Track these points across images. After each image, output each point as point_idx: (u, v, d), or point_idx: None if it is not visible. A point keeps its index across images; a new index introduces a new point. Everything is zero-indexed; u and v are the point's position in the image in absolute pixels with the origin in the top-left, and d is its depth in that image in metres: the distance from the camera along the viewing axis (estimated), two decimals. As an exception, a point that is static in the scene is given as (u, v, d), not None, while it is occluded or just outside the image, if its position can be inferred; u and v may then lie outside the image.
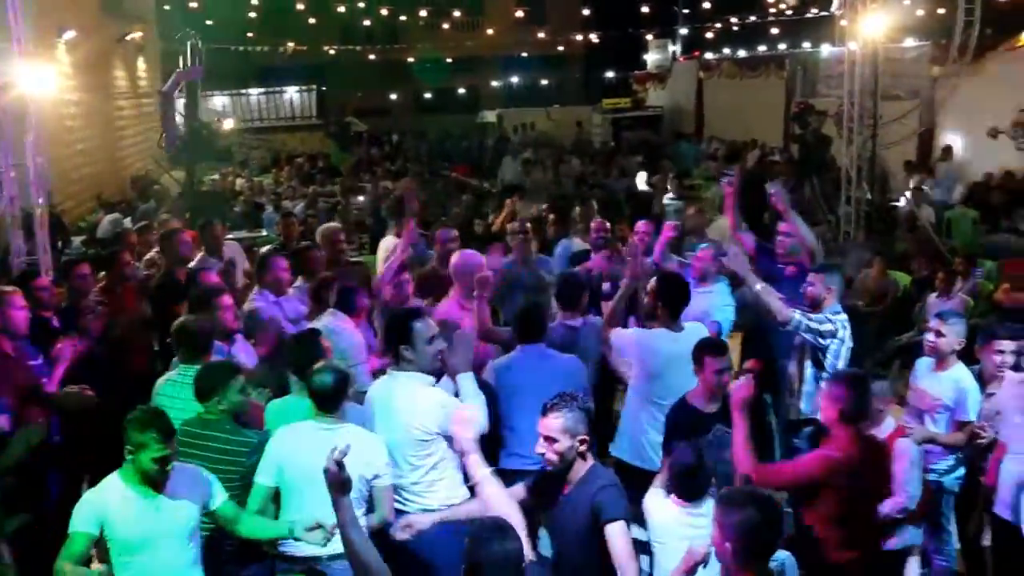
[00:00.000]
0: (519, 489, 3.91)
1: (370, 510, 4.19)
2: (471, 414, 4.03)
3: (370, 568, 3.07)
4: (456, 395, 4.49)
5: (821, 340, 5.46)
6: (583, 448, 3.65)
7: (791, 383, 5.83)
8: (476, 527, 3.03)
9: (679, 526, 4.01)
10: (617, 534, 3.58)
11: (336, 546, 4.02)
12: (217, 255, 7.64)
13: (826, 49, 18.87)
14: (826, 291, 5.62)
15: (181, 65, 13.42)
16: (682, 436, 4.55)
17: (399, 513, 4.28)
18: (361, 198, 15.11)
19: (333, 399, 4.16)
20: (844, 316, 5.61)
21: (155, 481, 3.77)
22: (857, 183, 11.28)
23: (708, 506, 3.94)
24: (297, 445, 4.13)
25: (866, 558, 4.30)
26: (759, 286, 5.51)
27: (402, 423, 4.39)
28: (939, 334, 5.19)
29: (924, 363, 5.41)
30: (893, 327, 9.23)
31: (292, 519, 4.03)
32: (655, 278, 5.67)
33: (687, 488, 4.06)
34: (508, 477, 4.63)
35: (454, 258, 6.45)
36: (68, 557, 3.66)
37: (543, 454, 3.66)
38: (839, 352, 5.52)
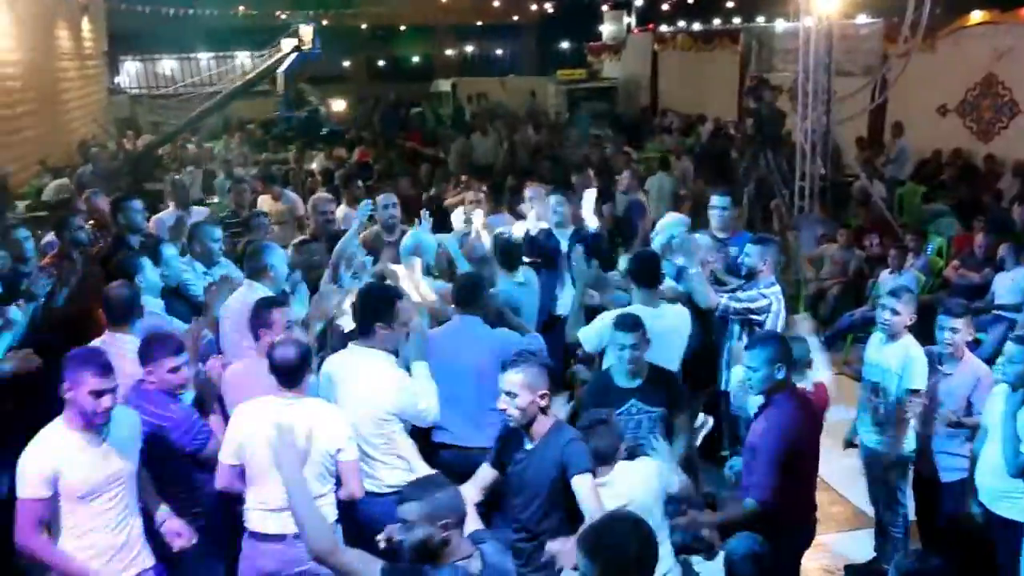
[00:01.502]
0: (485, 471, 3.98)
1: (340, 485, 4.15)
2: None
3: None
4: None
5: (755, 316, 5.51)
6: (544, 403, 3.75)
7: (735, 356, 5.82)
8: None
9: None
10: (585, 485, 3.65)
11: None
12: (186, 208, 7.67)
13: (781, 24, 18.90)
14: (762, 263, 5.68)
15: (285, 48, 13.29)
16: (596, 405, 4.62)
17: None
18: (315, 165, 14.90)
19: (295, 373, 4.07)
20: (778, 288, 5.70)
21: (96, 421, 3.68)
22: (811, 158, 11.35)
23: (613, 475, 3.99)
24: (257, 422, 4.05)
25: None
26: (694, 270, 5.54)
27: (362, 400, 4.36)
28: (895, 312, 5.25)
29: (876, 338, 5.49)
30: (850, 301, 9.37)
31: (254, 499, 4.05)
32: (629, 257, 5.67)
33: (598, 454, 4.05)
34: (437, 450, 4.81)
35: (405, 239, 6.35)
36: (30, 528, 3.56)
37: (504, 409, 3.75)
38: (775, 325, 5.61)
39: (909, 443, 5.30)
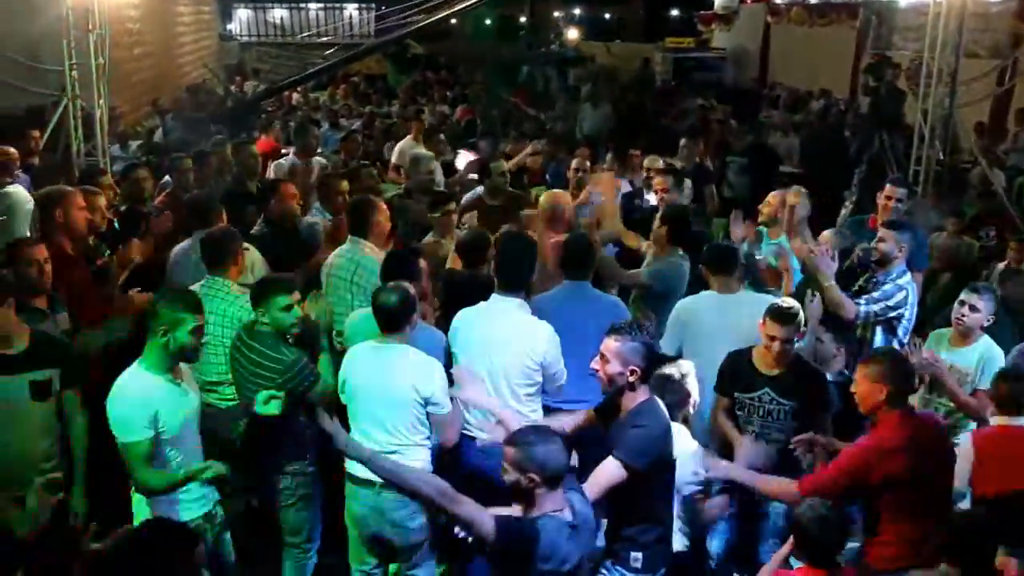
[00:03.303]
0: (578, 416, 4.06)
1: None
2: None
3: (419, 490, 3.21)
4: None
5: (896, 312, 5.29)
6: (632, 379, 3.65)
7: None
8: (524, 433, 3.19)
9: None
10: (610, 467, 3.57)
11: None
12: (309, 157, 7.88)
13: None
14: (897, 249, 5.42)
15: None
16: (730, 383, 4.69)
17: None
18: (418, 121, 14.88)
19: (394, 319, 4.09)
20: (909, 276, 5.45)
21: (194, 359, 3.88)
22: (929, 142, 10.87)
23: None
24: (356, 362, 4.16)
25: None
26: (830, 283, 5.28)
27: (510, 346, 4.37)
28: (973, 308, 4.95)
29: (943, 334, 5.18)
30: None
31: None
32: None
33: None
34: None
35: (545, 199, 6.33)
36: (144, 467, 3.66)
37: (596, 370, 3.73)
38: (912, 316, 5.38)
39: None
